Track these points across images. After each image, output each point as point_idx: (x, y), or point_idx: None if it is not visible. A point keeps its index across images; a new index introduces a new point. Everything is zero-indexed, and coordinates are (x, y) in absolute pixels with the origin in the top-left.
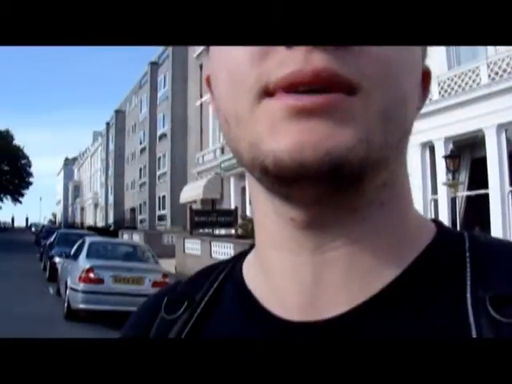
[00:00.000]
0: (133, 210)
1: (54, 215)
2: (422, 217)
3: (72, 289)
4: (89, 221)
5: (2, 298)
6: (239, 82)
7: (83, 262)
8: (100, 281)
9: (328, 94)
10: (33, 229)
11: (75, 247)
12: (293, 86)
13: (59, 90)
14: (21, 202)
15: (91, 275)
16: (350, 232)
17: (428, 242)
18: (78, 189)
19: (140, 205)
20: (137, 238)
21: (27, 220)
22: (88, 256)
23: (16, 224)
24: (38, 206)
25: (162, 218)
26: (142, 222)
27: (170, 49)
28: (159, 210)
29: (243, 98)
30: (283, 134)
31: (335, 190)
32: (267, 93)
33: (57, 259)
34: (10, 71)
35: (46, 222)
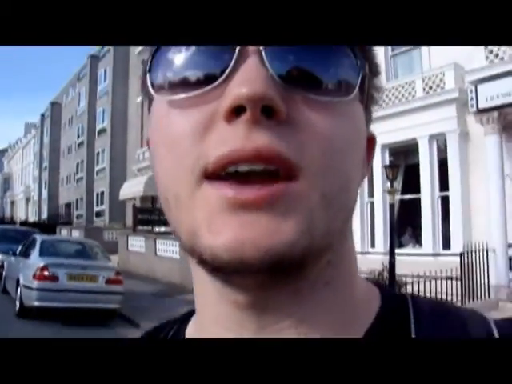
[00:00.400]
0: (68, 205)
1: None
2: (366, 283)
3: (25, 286)
4: (20, 215)
5: None
6: (179, 160)
7: (37, 260)
8: (55, 278)
9: (269, 185)
10: None
11: (25, 245)
12: (233, 164)
13: None
14: None
15: (46, 273)
16: (294, 313)
17: (376, 311)
18: (7, 182)
19: (76, 200)
20: (76, 234)
21: None
22: (41, 254)
23: None
24: None
25: (99, 213)
26: (78, 217)
27: None
28: (97, 205)
29: (183, 179)
30: (221, 229)
31: (277, 277)
32: (207, 175)
33: None
34: None
35: None
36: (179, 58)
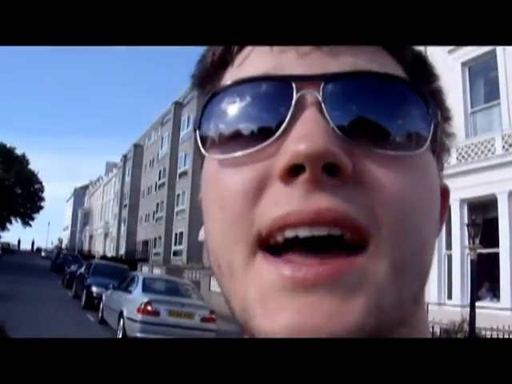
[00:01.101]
0: (145, 242)
1: (61, 240)
2: None
3: (129, 319)
4: (98, 249)
5: (42, 325)
6: (232, 224)
7: (140, 296)
8: (157, 313)
9: (331, 259)
10: (42, 253)
11: (125, 280)
12: (290, 227)
13: (76, 117)
14: (31, 226)
15: (149, 308)
16: None
17: None
18: (87, 216)
19: (155, 238)
20: (157, 271)
21: (33, 243)
22: (144, 290)
23: (21, 247)
24: (45, 230)
25: (177, 253)
26: (155, 255)
27: (195, 91)
28: (175, 245)
29: (237, 246)
30: (278, 313)
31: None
32: (261, 243)
33: (94, 289)
34: (31, 94)
35: (51, 247)
36: (231, 110)
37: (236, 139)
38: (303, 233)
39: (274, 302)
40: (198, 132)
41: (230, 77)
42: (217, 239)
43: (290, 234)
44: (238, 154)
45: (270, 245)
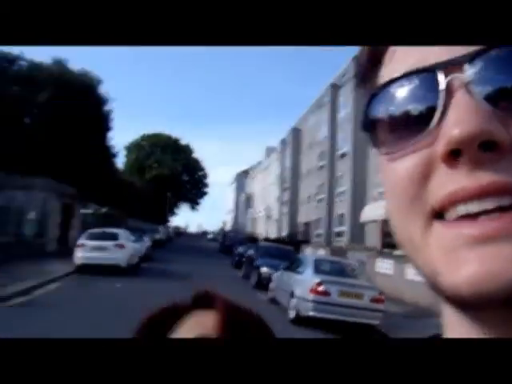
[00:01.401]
0: (307, 224)
1: (224, 223)
2: None
3: (301, 298)
4: (260, 231)
5: None
6: (403, 207)
7: (312, 277)
8: (327, 294)
9: (508, 213)
10: (208, 236)
11: (296, 262)
12: (461, 202)
13: (235, 104)
14: (197, 210)
15: (320, 288)
16: None
17: None
18: (249, 200)
19: (316, 220)
20: (322, 252)
21: (199, 226)
22: (315, 271)
23: (188, 230)
24: (209, 213)
25: (339, 234)
26: (317, 236)
27: (350, 72)
28: (337, 226)
29: (414, 224)
30: (461, 266)
31: None
32: (435, 214)
33: (263, 269)
34: (195, 87)
35: (216, 229)
36: (390, 108)
37: (397, 135)
38: (473, 207)
39: (456, 258)
40: (367, 133)
41: (383, 75)
42: (394, 221)
43: (461, 209)
44: (400, 152)
45: (445, 219)
